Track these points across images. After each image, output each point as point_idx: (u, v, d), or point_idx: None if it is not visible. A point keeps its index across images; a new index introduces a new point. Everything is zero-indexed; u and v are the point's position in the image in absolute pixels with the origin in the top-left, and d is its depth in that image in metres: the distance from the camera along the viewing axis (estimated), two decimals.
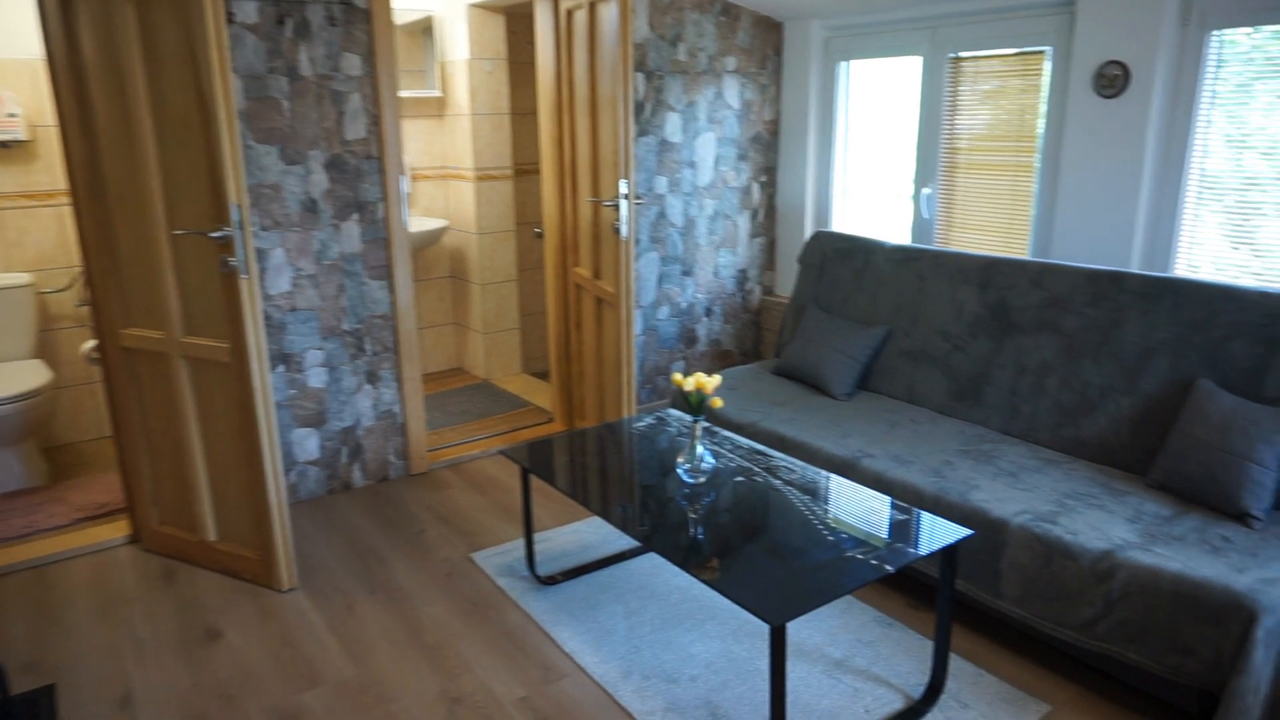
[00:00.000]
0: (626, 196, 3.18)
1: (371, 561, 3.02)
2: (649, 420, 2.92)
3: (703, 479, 2.39)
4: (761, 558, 2.02)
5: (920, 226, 3.89)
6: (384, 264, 3.47)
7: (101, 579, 2.95)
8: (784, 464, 2.54)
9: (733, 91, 4.25)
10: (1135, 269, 3.08)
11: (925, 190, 3.83)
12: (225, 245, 2.51)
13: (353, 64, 3.23)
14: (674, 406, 3.42)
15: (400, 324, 3.54)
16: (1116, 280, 2.74)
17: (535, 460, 2.67)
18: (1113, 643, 2.09)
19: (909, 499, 2.51)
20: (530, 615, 2.65)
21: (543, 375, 4.96)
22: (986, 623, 2.55)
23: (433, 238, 4.52)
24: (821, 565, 1.97)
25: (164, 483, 3.02)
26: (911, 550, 2.02)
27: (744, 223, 4.46)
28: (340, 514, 3.38)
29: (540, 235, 4.72)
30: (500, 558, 2.99)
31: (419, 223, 4.56)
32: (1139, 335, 2.64)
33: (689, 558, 2.04)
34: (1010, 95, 3.48)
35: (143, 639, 2.60)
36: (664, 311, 4.29)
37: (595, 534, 3.12)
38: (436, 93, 4.67)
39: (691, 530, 2.18)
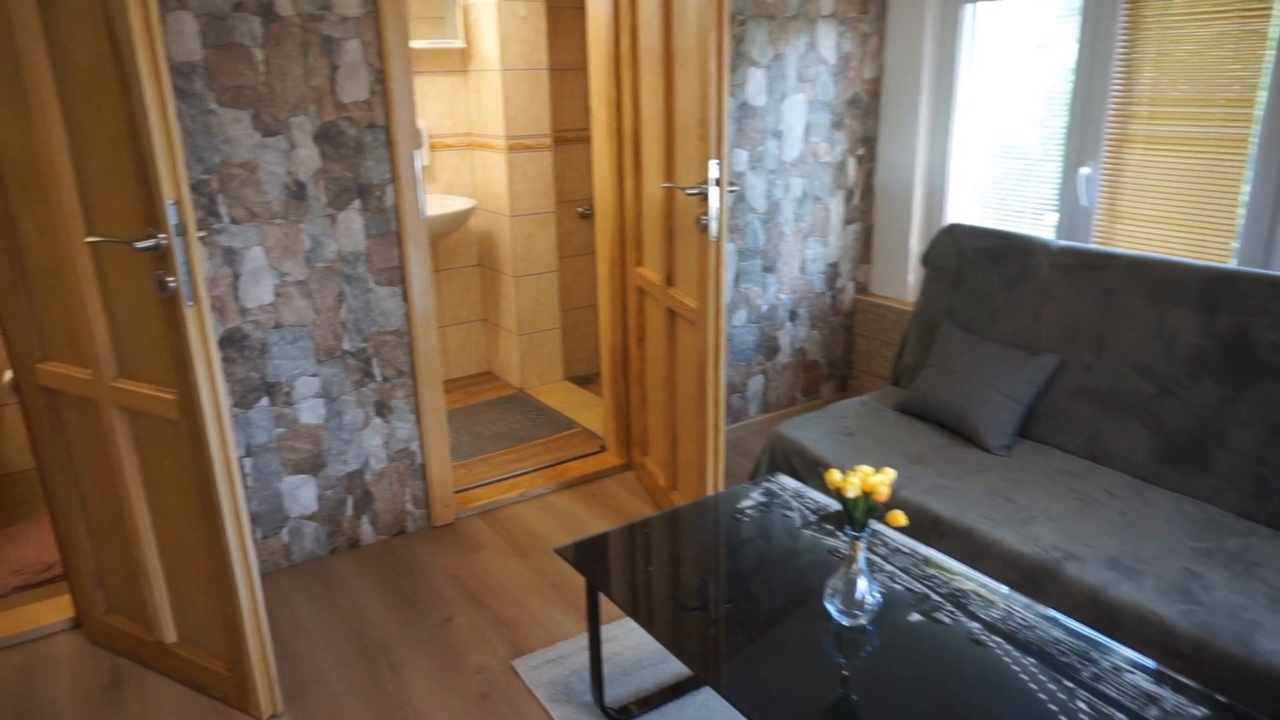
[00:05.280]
0: (718, 182, 2.36)
1: (383, 669, 2.28)
2: (756, 496, 2.13)
3: (862, 619, 1.61)
4: None
5: (1073, 217, 3.05)
6: (395, 264, 2.68)
7: (27, 688, 2.23)
8: (975, 587, 1.75)
9: (828, 42, 3.40)
10: None
11: (1083, 170, 2.99)
12: (161, 259, 1.73)
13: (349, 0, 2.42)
14: (776, 464, 2.63)
15: (417, 341, 2.76)
16: None
17: (607, 571, 1.90)
18: None
19: (1156, 638, 1.72)
20: None
21: (587, 382, 4.18)
22: None
23: (456, 221, 3.72)
24: None
25: (108, 562, 2.29)
26: None
27: (836, 206, 3.63)
28: (345, 586, 2.64)
29: (585, 215, 3.92)
30: (552, 669, 2.24)
31: (439, 202, 3.76)
32: None
33: None
34: (1220, 44, 2.62)
35: None
36: (740, 316, 3.48)
37: None
38: (459, 43, 3.83)
39: (867, 712, 1.41)
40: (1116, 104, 2.89)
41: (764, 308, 3.53)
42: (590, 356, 4.31)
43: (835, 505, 2.07)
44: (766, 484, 2.18)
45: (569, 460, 3.36)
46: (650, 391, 3.07)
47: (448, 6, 3.80)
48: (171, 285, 1.71)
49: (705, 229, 2.40)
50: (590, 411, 3.81)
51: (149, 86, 1.57)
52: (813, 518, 2.01)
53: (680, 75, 2.54)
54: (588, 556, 1.92)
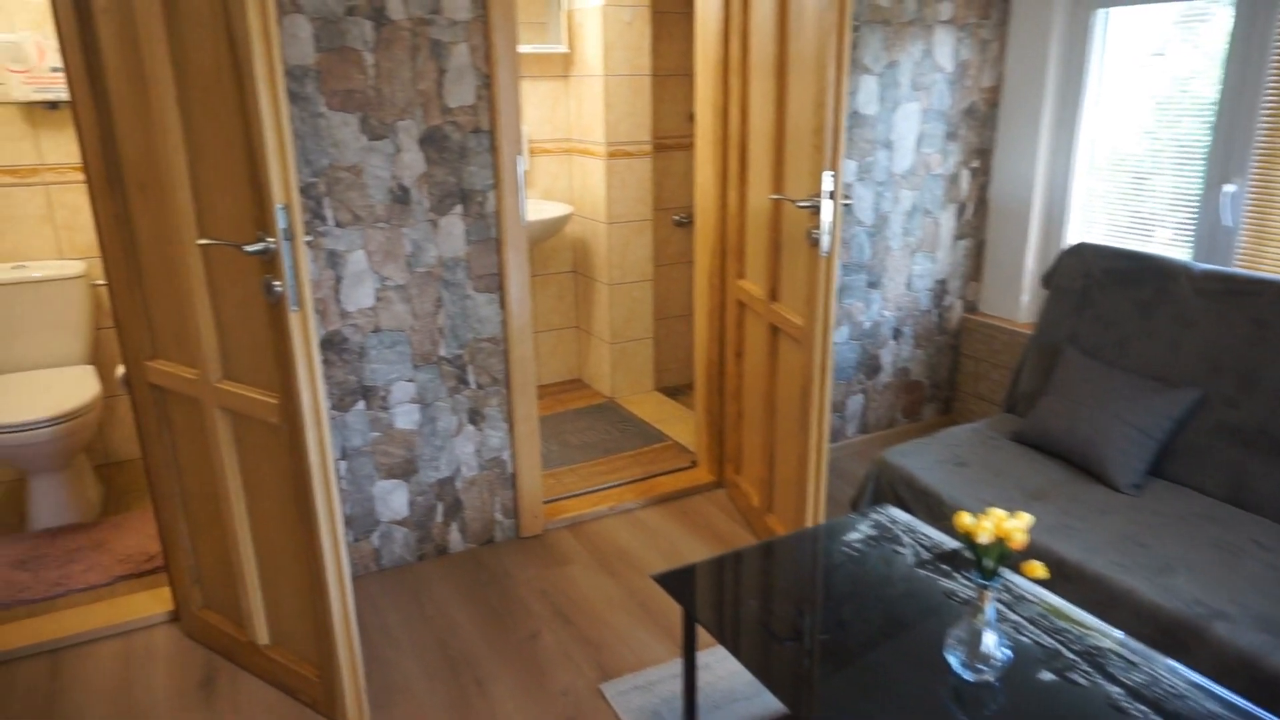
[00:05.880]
0: (832, 195, 2.25)
1: (469, 683, 2.24)
2: (865, 529, 2.01)
3: (989, 675, 1.48)
4: None
5: (1213, 237, 2.82)
6: (494, 271, 2.65)
7: (127, 679, 2.26)
8: (1113, 645, 1.60)
9: (945, 49, 3.24)
10: None
11: (1228, 187, 2.76)
12: (269, 263, 1.72)
13: (459, 3, 2.39)
14: (881, 492, 2.50)
15: (513, 350, 2.72)
16: None
17: (706, 602, 1.81)
18: None
19: None
20: None
21: (677, 393, 4.09)
22: None
23: (553, 228, 3.69)
24: None
25: (206, 558, 2.31)
26: None
27: (947, 220, 3.46)
28: (432, 593, 2.62)
29: (681, 224, 3.85)
30: (641, 696, 2.16)
31: (537, 208, 3.74)
32: None
33: None
34: None
35: None
36: (842, 333, 3.35)
37: None
38: (562, 48, 3.81)
39: None
40: (1269, 116, 2.66)
41: (867, 324, 3.39)
42: (681, 367, 4.23)
43: (950, 543, 1.93)
44: (875, 516, 2.06)
45: (659, 474, 3.28)
46: (746, 408, 2.97)
47: (551, 12, 3.77)
48: (278, 289, 1.69)
49: (816, 244, 2.29)
50: (681, 424, 3.73)
51: (264, 90, 1.56)
52: (927, 556, 1.88)
53: (795, 82, 2.44)
54: (685, 585, 1.83)
